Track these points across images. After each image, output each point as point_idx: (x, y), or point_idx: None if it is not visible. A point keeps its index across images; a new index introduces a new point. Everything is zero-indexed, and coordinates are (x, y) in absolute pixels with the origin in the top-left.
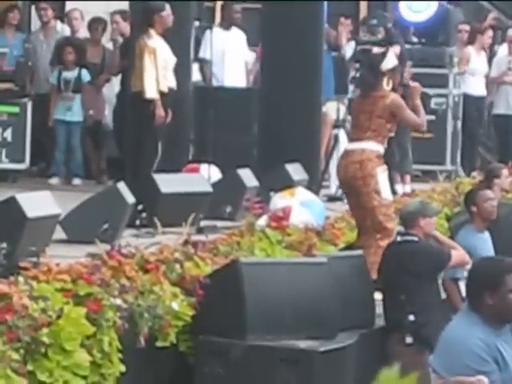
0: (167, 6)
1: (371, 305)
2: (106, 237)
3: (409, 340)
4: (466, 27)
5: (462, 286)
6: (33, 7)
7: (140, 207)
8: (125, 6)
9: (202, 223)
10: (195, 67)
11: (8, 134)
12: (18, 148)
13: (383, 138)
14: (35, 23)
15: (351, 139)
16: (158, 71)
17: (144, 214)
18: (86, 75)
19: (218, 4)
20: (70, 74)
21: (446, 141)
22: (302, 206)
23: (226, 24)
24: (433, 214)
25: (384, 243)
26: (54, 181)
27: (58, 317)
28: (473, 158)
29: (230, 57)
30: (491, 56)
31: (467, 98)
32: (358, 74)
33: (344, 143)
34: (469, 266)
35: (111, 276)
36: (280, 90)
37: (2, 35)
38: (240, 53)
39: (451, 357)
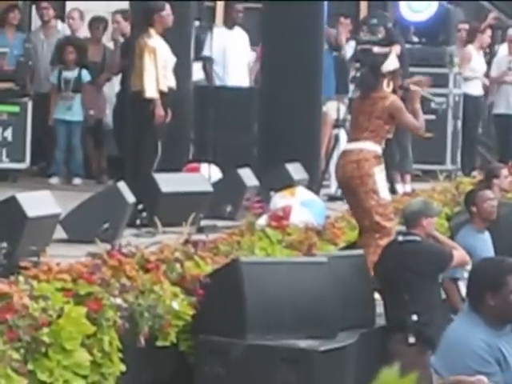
0: (167, 6)
1: (371, 304)
2: (106, 236)
3: (411, 340)
4: (466, 26)
5: (462, 286)
6: (33, 7)
7: (140, 207)
8: (126, 5)
9: (203, 223)
10: (197, 66)
11: (8, 134)
12: (19, 147)
13: (381, 138)
14: (36, 23)
15: (350, 139)
16: (158, 71)
17: (144, 214)
18: (86, 75)
19: (218, 4)
20: (71, 74)
21: (447, 140)
22: (302, 206)
23: (229, 23)
24: (435, 214)
25: (383, 242)
26: (55, 180)
27: (59, 316)
28: (473, 157)
29: (233, 56)
30: (491, 56)
31: (467, 97)
32: (358, 74)
33: (344, 143)
34: (468, 267)
35: (111, 275)
36: (280, 90)
37: (3, 35)
38: (243, 52)
39: (453, 358)
